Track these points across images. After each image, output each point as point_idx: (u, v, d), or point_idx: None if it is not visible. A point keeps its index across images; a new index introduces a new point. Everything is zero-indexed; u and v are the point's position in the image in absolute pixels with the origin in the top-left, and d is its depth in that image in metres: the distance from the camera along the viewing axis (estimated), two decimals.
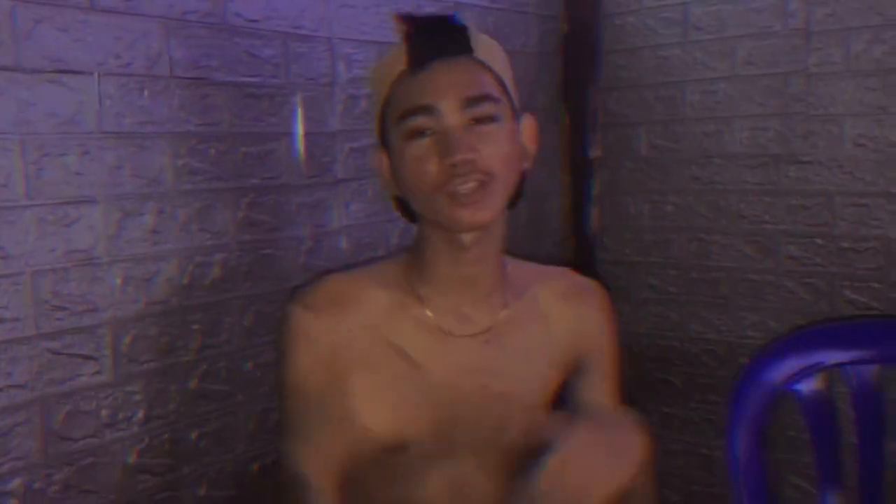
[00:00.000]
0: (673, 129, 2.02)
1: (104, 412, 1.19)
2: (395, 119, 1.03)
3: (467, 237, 1.06)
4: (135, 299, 1.23)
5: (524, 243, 1.93)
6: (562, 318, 1.16)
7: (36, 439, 1.12)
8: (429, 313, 1.10)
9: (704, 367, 2.02)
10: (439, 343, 1.10)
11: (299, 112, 1.43)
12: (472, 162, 1.00)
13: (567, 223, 2.12)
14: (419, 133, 1.01)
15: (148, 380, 1.25)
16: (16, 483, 1.11)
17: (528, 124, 1.11)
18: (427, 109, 1.00)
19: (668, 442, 2.08)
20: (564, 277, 1.21)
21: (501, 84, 1.06)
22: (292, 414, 1.09)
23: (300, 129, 1.43)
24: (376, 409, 1.10)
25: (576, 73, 2.08)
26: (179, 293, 1.28)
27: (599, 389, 1.20)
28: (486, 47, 1.06)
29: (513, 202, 1.15)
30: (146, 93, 1.22)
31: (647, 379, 2.11)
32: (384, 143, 1.07)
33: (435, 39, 1.03)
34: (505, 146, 1.04)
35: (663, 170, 2.05)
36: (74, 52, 1.14)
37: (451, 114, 1.01)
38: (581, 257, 2.13)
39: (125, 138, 1.20)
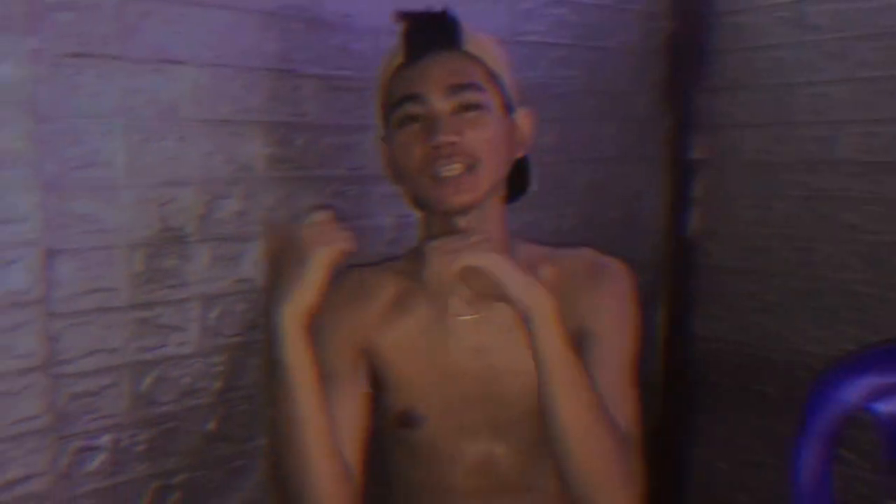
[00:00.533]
0: (781, 132, 1.95)
1: (187, 380, 1.28)
2: (390, 109, 1.12)
3: (460, 221, 1.11)
4: (222, 276, 1.31)
5: (615, 242, 1.89)
6: (567, 295, 1.13)
7: (124, 401, 1.22)
8: (433, 297, 1.16)
9: (801, 379, 1.95)
10: (444, 325, 1.16)
11: None
12: (454, 144, 1.07)
13: (664, 225, 2.08)
14: (409, 120, 1.09)
15: (230, 353, 1.33)
16: (105, 439, 1.21)
17: (523, 114, 1.17)
18: (415, 97, 1.08)
19: (762, 454, 2.01)
20: (578, 257, 1.22)
21: (492, 75, 1.13)
22: None
23: None
24: (390, 384, 1.18)
25: (680, 73, 2.03)
26: (263, 273, 1.35)
27: (600, 366, 1.13)
28: (477, 42, 1.14)
29: (517, 191, 1.22)
30: (239, 83, 1.29)
31: (741, 389, 2.04)
32: (385, 135, 1.15)
33: (428, 34, 1.10)
34: (490, 131, 1.10)
35: (769, 174, 1.97)
36: (175, 43, 1.22)
37: (437, 101, 1.08)
38: (678, 261, 2.09)
39: (219, 126, 1.28)
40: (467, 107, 1.09)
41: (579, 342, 1.13)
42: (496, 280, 1.01)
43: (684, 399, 2.12)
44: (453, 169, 1.07)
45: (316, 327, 1.08)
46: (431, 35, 1.10)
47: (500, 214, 1.17)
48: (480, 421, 1.17)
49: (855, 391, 1.12)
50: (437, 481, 1.20)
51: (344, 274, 1.19)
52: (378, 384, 1.19)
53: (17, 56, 1.07)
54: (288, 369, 1.02)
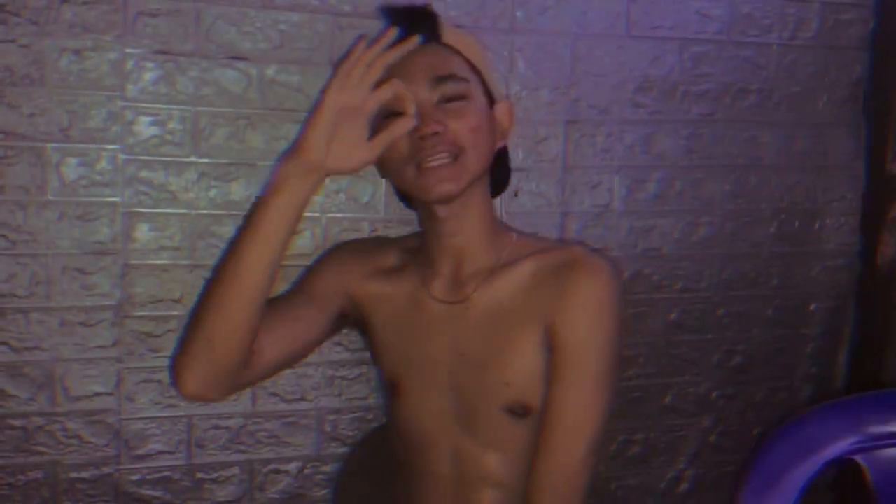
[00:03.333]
0: None
1: None
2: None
3: (441, 210, 1.13)
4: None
5: (788, 266, 1.77)
6: (546, 292, 1.11)
7: None
8: (421, 281, 1.20)
9: None
10: (425, 308, 1.19)
11: None
12: (438, 134, 1.08)
13: (853, 249, 1.79)
14: (394, 114, 1.09)
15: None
16: (161, 376, 1.43)
17: (503, 105, 1.19)
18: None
19: None
20: (562, 252, 1.16)
21: (472, 67, 1.15)
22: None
23: None
24: (377, 348, 1.26)
25: (881, 72, 1.73)
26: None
27: (561, 379, 1.09)
28: (456, 35, 1.17)
29: (499, 185, 1.24)
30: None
31: None
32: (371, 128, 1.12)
33: (410, 28, 1.11)
34: (473, 120, 1.11)
35: None
36: (242, 41, 1.40)
37: (420, 92, 1.09)
38: (867, 293, 1.77)
39: (284, 114, 1.43)
40: (450, 97, 1.11)
41: (549, 346, 1.10)
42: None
43: None
44: (438, 158, 1.09)
45: (319, 257, 1.25)
46: (414, 29, 1.12)
47: (482, 204, 1.18)
48: (449, 409, 1.18)
49: (840, 439, 0.91)
50: (417, 464, 1.23)
51: (362, 238, 1.36)
52: (366, 343, 1.31)
53: (111, 52, 1.34)
54: (263, 207, 1.04)
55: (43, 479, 1.38)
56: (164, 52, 1.36)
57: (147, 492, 1.43)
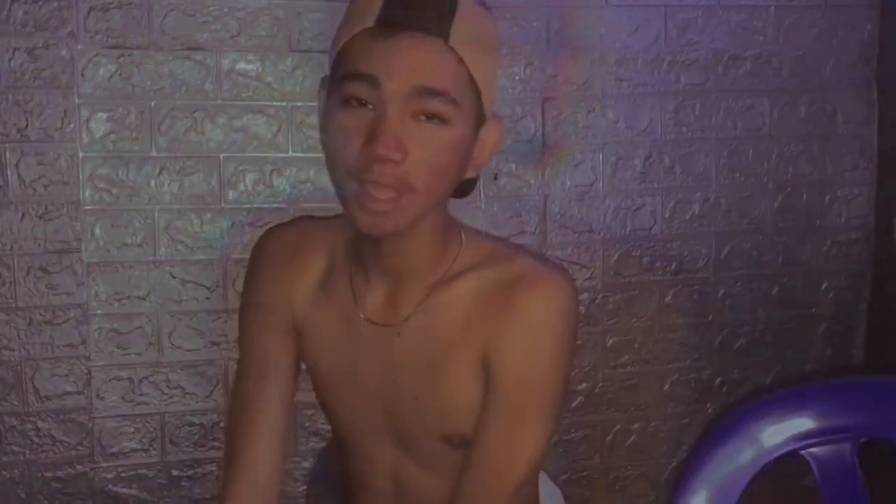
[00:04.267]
0: None
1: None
2: (340, 76, 0.90)
3: (383, 242, 0.95)
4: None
5: (798, 243, 1.67)
6: (485, 315, 0.95)
7: (148, 341, 1.42)
8: (352, 295, 1.02)
9: None
10: (356, 329, 1.02)
11: None
12: (392, 164, 0.86)
13: (869, 226, 1.67)
14: (355, 102, 0.88)
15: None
16: (128, 373, 1.42)
17: (489, 131, 0.94)
18: (371, 80, 0.86)
19: None
20: (511, 265, 0.98)
21: (472, 83, 0.90)
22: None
23: None
24: (309, 369, 1.09)
25: (895, 32, 1.61)
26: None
27: (493, 412, 0.95)
28: (468, 35, 0.89)
29: (462, 191, 1.00)
30: None
31: None
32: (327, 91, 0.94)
33: (412, 8, 0.87)
34: (441, 156, 0.89)
35: None
36: (199, 32, 1.37)
37: (395, 96, 0.86)
38: (885, 273, 1.65)
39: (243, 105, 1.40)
40: (428, 115, 0.87)
41: (480, 374, 0.97)
42: None
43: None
44: (381, 196, 0.88)
45: (250, 281, 1.05)
46: (417, 12, 0.87)
47: (432, 219, 0.97)
48: (385, 432, 1.08)
49: (783, 433, 0.82)
50: (358, 477, 1.15)
51: (291, 224, 1.12)
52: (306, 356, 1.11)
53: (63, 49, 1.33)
54: None
55: (18, 479, 1.38)
56: (117, 47, 1.34)
57: (122, 490, 1.42)
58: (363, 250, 1.01)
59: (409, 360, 1.00)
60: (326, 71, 0.95)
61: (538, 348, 0.94)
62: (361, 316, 1.02)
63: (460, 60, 0.88)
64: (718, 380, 1.65)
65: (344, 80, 0.88)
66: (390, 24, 0.86)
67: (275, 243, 1.08)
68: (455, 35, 0.87)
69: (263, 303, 1.07)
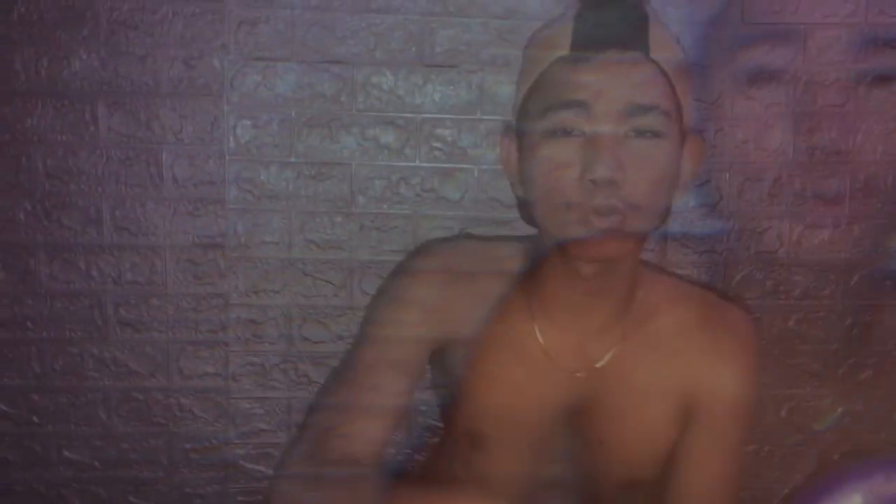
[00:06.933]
0: None
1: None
2: (540, 109, 0.88)
3: (587, 268, 0.92)
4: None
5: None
6: (686, 357, 0.97)
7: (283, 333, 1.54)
8: (537, 333, 0.98)
9: None
10: (540, 371, 0.98)
11: None
12: (614, 184, 0.84)
13: None
14: (563, 132, 0.86)
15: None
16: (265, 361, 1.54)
17: (692, 146, 0.92)
18: (580, 106, 0.85)
19: None
20: (699, 302, 1.01)
21: (674, 94, 0.88)
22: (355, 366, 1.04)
23: None
24: (461, 398, 1.03)
25: None
26: None
27: (697, 451, 0.98)
28: (665, 45, 0.88)
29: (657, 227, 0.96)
30: None
31: None
32: (519, 131, 0.93)
33: (607, 25, 0.85)
34: (658, 170, 0.86)
35: None
36: (338, 46, 1.45)
37: (607, 118, 0.84)
38: None
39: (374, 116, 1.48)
40: (642, 132, 0.85)
41: (680, 415, 0.98)
42: None
43: None
44: (606, 221, 0.85)
45: (395, 290, 1.01)
46: (613, 28, 0.85)
47: (637, 255, 0.96)
48: (543, 475, 1.03)
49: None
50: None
51: (457, 243, 1.11)
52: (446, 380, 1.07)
53: (215, 60, 1.45)
54: None
55: (163, 448, 1.54)
56: (262, 59, 1.44)
57: (251, 466, 1.55)
58: (554, 285, 0.97)
59: (603, 408, 0.98)
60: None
61: (745, 384, 0.99)
62: (543, 356, 0.98)
63: (663, 72, 0.86)
64: (839, 409, 1.60)
65: (547, 113, 0.87)
66: (587, 45, 0.85)
67: (436, 260, 1.05)
68: (653, 46, 0.86)
69: (405, 320, 1.03)
